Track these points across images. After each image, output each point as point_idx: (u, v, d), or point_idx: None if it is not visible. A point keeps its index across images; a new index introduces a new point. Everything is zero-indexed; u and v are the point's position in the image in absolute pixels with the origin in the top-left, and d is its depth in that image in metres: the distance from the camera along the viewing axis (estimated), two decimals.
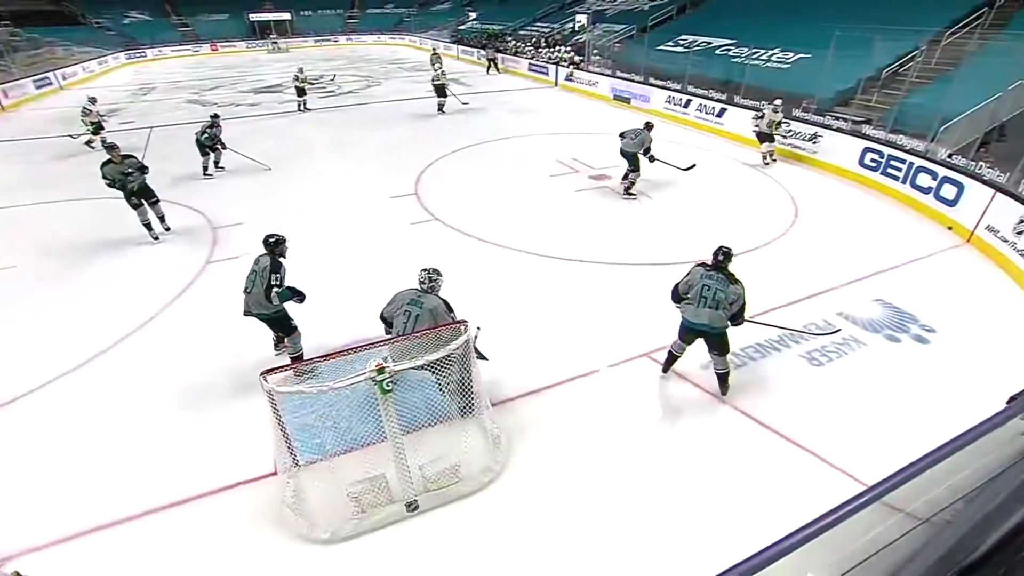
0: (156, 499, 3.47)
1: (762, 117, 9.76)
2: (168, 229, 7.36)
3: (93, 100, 11.72)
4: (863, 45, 10.39)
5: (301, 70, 14.64)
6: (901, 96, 9.72)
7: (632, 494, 3.45)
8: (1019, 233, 6.03)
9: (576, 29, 22.07)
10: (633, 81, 15.49)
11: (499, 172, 9.35)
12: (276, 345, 4.85)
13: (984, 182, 6.89)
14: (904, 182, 8.17)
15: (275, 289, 4.23)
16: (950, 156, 7.86)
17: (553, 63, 18.49)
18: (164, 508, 3.42)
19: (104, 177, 6.79)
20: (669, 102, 13.89)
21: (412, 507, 3.32)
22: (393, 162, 10.39)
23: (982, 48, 10.03)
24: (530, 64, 20.55)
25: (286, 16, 37.00)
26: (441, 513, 3.36)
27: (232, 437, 3.91)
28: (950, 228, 7.15)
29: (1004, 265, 6.14)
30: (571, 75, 18.08)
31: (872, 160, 8.85)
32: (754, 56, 13.54)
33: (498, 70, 22.83)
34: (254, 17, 36.17)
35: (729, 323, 3.99)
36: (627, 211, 8.04)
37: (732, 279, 3.99)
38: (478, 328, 4.19)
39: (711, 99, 12.76)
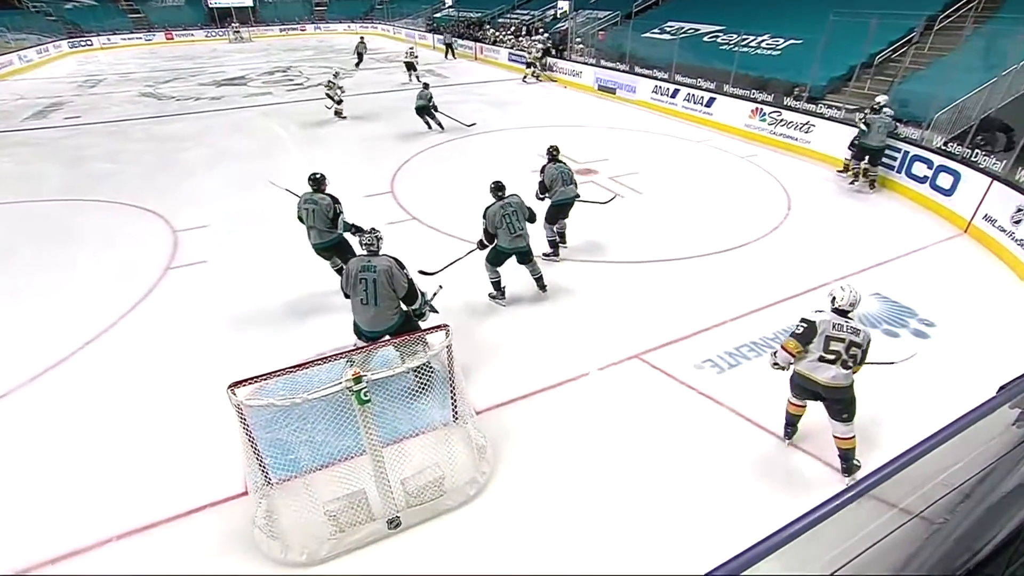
0: (113, 527, 3.38)
1: (868, 127, 8.14)
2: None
3: (337, 75, 13.50)
4: (856, 30, 10.61)
5: (337, 75, 13.68)
6: (895, 83, 9.96)
7: (624, 503, 3.49)
8: (1017, 222, 6.25)
9: (558, 16, 22.23)
10: (618, 71, 15.67)
11: (478, 168, 9.36)
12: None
13: (980, 170, 7.12)
14: (899, 171, 8.40)
15: (342, 217, 5.31)
16: (946, 144, 8.10)
17: (527, 63, 18.28)
18: (122, 536, 3.33)
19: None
20: (656, 92, 14.09)
21: (394, 524, 3.31)
22: (367, 159, 10.35)
23: (976, 32, 10.31)
24: (510, 54, 20.64)
25: (248, 2, 36.43)
26: (425, 529, 3.36)
27: (197, 456, 3.85)
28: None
29: (1002, 255, 6.37)
30: (533, 75, 17.93)
31: None
32: (743, 43, 13.80)
33: (454, 56, 23.60)
34: (213, 3, 35.48)
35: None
36: (613, 207, 8.12)
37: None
38: (440, 287, 4.59)
39: (699, 88, 12.98)
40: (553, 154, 6.28)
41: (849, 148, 8.72)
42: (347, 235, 5.45)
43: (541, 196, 6.20)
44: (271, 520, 3.33)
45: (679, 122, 12.93)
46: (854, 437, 3.54)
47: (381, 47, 28.46)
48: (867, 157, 8.37)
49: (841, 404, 3.48)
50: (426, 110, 11.70)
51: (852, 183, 8.69)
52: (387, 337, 4.01)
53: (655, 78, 14.34)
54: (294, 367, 3.24)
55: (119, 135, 12.45)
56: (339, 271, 5.48)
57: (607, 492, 3.56)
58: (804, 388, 3.58)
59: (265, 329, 5.28)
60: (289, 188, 6.27)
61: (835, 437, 3.59)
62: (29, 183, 9.42)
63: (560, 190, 6.10)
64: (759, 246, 6.84)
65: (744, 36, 13.94)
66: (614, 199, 7.51)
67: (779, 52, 13.02)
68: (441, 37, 24.77)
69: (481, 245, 5.45)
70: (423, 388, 3.84)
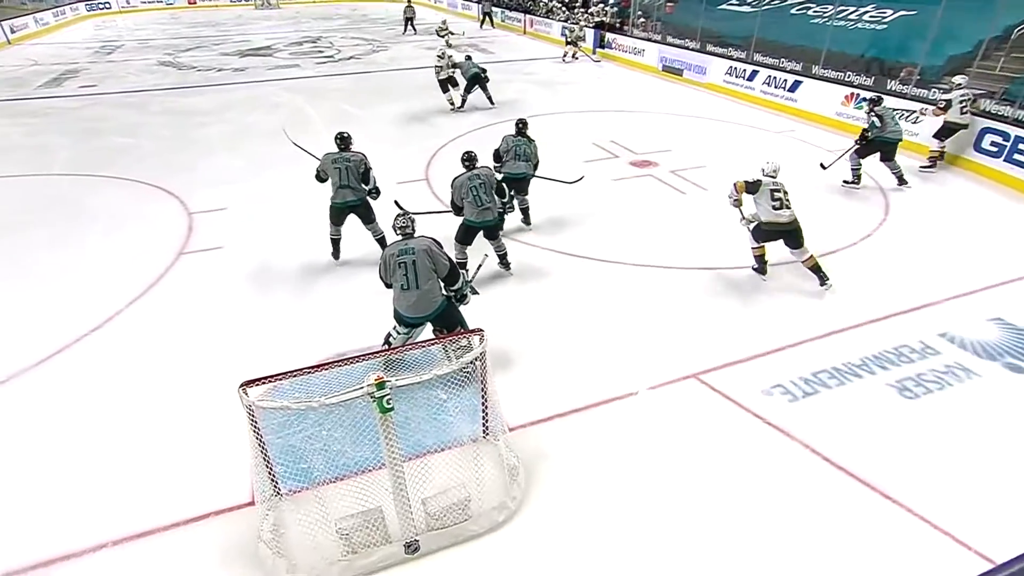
0: (109, 531, 3.51)
1: (946, 106, 8.50)
2: None
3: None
4: None
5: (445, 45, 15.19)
6: None
7: (671, 544, 3.43)
8: None
9: None
10: (687, 49, 15.46)
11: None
12: (336, 252, 6.37)
13: None
14: None
15: (372, 173, 5.94)
16: None
17: (569, 41, 17.87)
18: (118, 542, 3.47)
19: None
20: (730, 74, 13.83)
21: (412, 548, 3.36)
22: (401, 142, 10.57)
23: None
24: (563, 27, 20.64)
25: None
26: (445, 557, 3.39)
27: (202, 459, 4.00)
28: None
29: None
30: (573, 55, 17.70)
31: (993, 144, 8.62)
32: (840, 15, 13.28)
33: (493, 25, 24.40)
34: None
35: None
36: (676, 205, 8.02)
37: None
38: (486, 256, 4.89)
39: (782, 70, 12.66)
40: (519, 127, 6.96)
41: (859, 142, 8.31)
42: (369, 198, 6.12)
43: (496, 165, 6.76)
44: (278, 535, 3.43)
45: (757, 109, 12.65)
46: (812, 255, 5.80)
47: (422, 18, 28.97)
48: (879, 153, 8.17)
49: (797, 234, 5.72)
50: (477, 79, 12.24)
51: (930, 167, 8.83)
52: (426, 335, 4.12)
53: (730, 58, 14.08)
54: (312, 367, 3.35)
55: (136, 107, 13.14)
56: (335, 243, 6.29)
57: (652, 530, 3.50)
58: (770, 232, 5.79)
59: (282, 324, 5.46)
60: (308, 149, 6.86)
61: (802, 263, 5.83)
62: (40, 156, 10.05)
63: (508, 163, 6.77)
64: (847, 255, 6.61)
65: (842, 7, 13.38)
66: (581, 179, 7.43)
67: (884, 26, 12.45)
68: (480, 5, 25.41)
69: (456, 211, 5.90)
70: (467, 380, 3.84)
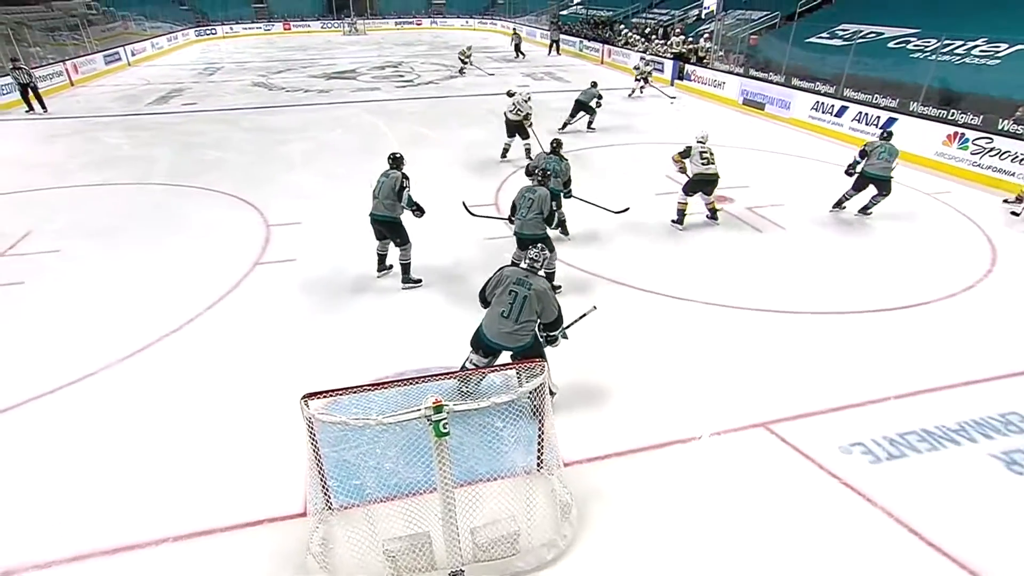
0: (169, 527, 3.70)
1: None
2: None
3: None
4: None
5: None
6: None
7: None
8: None
9: (702, 16, 22.02)
10: (770, 82, 15.11)
11: (595, 185, 9.42)
12: (379, 267, 6.63)
13: None
14: None
15: (406, 192, 6.01)
16: None
17: (640, 77, 17.01)
18: (179, 538, 3.65)
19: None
20: (816, 109, 13.38)
21: None
22: (473, 165, 10.84)
23: None
24: (642, 58, 20.71)
25: None
26: None
27: (261, 465, 4.15)
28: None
29: None
30: (638, 90, 17.01)
31: None
32: (944, 49, 12.64)
33: (559, 52, 25.64)
34: None
35: None
36: (752, 243, 7.76)
37: None
38: (594, 307, 4.87)
39: (875, 106, 12.11)
40: (553, 147, 7.58)
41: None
42: (410, 215, 6.24)
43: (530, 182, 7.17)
44: (326, 549, 3.49)
45: (844, 147, 12.11)
46: (714, 200, 8.13)
47: (498, 45, 29.88)
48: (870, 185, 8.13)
49: (715, 184, 7.83)
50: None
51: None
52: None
53: (817, 92, 13.64)
54: (372, 385, 3.42)
55: (229, 123, 14.21)
56: (380, 258, 6.60)
57: None
58: (700, 183, 7.78)
59: (347, 339, 5.64)
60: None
61: (706, 205, 8.15)
62: (142, 165, 11.00)
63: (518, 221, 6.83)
64: (945, 307, 6.14)
65: (947, 41, 12.74)
66: (627, 210, 7.57)
67: (998, 61, 11.74)
68: (550, 33, 26.85)
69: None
70: (535, 412, 3.84)
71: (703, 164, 7.69)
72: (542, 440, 3.79)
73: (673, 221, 8.09)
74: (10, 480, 4.11)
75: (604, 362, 5.26)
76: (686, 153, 7.83)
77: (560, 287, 6.32)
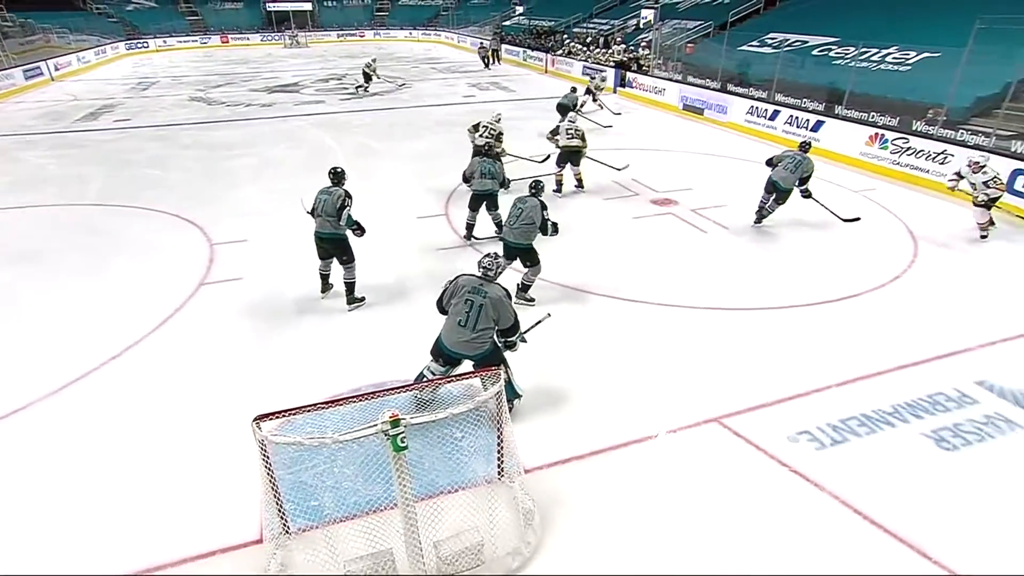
0: (117, 565, 3.50)
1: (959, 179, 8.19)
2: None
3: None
4: (1013, 39, 10.00)
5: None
6: None
7: None
8: None
9: (640, 26, 22.66)
10: (708, 88, 15.67)
11: (544, 192, 9.53)
12: (323, 287, 6.43)
13: None
14: None
15: (347, 211, 5.83)
16: None
17: (589, 90, 16.18)
18: None
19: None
20: (752, 113, 13.95)
21: None
22: (422, 177, 10.76)
23: None
24: (584, 67, 21.13)
25: (307, 6, 39.57)
26: None
27: (213, 493, 3.98)
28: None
29: None
30: (594, 100, 16.03)
31: None
32: (863, 56, 13.45)
33: (499, 62, 25.29)
34: (272, 6, 38.85)
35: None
36: (698, 243, 8.01)
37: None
38: (548, 315, 4.94)
39: (805, 110, 12.74)
40: (485, 150, 8.30)
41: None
42: (350, 234, 6.06)
43: (467, 185, 7.83)
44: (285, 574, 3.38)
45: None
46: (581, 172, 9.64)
47: (444, 55, 29.90)
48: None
49: (579, 155, 9.31)
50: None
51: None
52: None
53: (751, 97, 14.23)
54: (326, 403, 3.35)
55: (166, 140, 13.66)
56: (323, 278, 6.40)
57: None
58: (566, 155, 9.20)
59: (298, 357, 5.49)
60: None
61: (576, 175, 9.54)
62: (74, 186, 10.44)
63: (476, 181, 7.63)
64: (874, 298, 6.49)
65: (864, 49, 13.59)
66: (627, 167, 8.34)
67: (909, 67, 12.59)
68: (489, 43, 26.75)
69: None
70: (494, 421, 3.81)
71: (568, 139, 9.13)
72: (502, 448, 3.79)
73: (553, 191, 9.41)
74: None
75: (559, 367, 5.30)
76: (555, 129, 9.62)
77: (534, 300, 6.37)
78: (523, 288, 6.36)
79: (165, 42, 33.72)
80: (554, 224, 6.27)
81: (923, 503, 3.90)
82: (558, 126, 9.86)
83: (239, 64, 27.61)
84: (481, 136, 9.76)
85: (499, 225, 7.53)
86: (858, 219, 8.16)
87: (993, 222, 7.95)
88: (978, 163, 7.77)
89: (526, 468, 4.01)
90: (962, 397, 4.88)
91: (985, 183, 7.63)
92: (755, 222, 8.42)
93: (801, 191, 7.94)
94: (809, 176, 7.82)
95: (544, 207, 6.22)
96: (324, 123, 15.22)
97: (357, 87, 19.81)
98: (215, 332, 5.91)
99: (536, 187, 6.30)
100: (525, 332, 4.59)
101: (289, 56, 31.07)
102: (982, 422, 4.60)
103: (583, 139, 9.30)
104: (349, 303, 6.27)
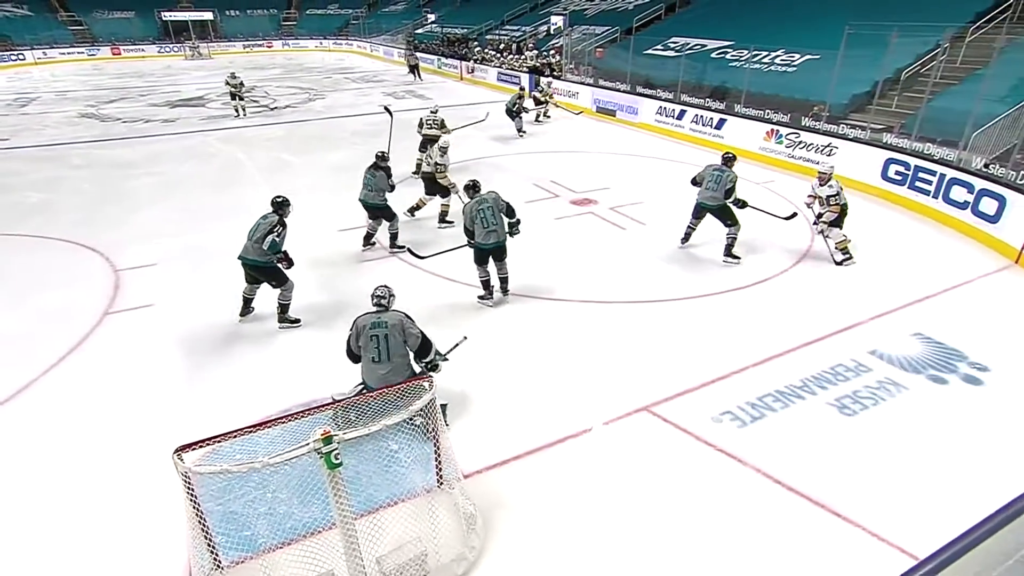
0: None
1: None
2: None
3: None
4: (878, 44, 10.93)
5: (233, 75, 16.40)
6: (925, 99, 10.16)
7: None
8: None
9: (551, 32, 23.18)
10: (618, 91, 16.25)
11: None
12: (243, 310, 6.16)
13: None
14: (936, 197, 8.65)
15: (272, 236, 5.63)
16: (987, 166, 8.33)
17: (541, 101, 16.19)
18: None
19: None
20: (660, 114, 14.59)
21: None
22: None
23: (1012, 43, 10.64)
24: (499, 73, 21.36)
25: (207, 16, 37.68)
26: None
27: (134, 534, 3.73)
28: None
29: None
30: (546, 114, 16.21)
31: (897, 173, 9.39)
32: (755, 59, 14.45)
33: (420, 78, 24.08)
34: (168, 16, 36.67)
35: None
36: (615, 241, 8.28)
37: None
38: (464, 337, 4.86)
39: (708, 109, 13.48)
40: (377, 158, 7.60)
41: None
42: (278, 262, 5.88)
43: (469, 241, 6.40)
44: None
45: (687, 146, 13.34)
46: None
47: (357, 65, 29.32)
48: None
49: (433, 142, 9.17)
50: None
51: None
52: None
53: (659, 99, 14.88)
54: (252, 426, 3.21)
55: (54, 160, 12.59)
56: (245, 302, 6.13)
57: (613, 568, 3.49)
58: (424, 142, 10.29)
59: (220, 383, 5.24)
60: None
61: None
62: None
63: (363, 191, 7.52)
64: (780, 282, 6.97)
65: (756, 52, 14.61)
66: (794, 216, 7.71)
67: (795, 68, 13.63)
68: (408, 57, 25.60)
69: (469, 241, 6.28)
70: (425, 432, 3.79)
71: (427, 128, 10.53)
72: (439, 456, 3.78)
73: (413, 172, 10.46)
74: None
75: (490, 369, 5.35)
76: (420, 124, 10.66)
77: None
78: (505, 287, 6.58)
79: (45, 54, 30.93)
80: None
81: (831, 466, 4.23)
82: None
83: (134, 77, 25.87)
84: (428, 127, 10.77)
85: (394, 236, 7.75)
86: (795, 215, 7.83)
87: (848, 239, 7.40)
88: (824, 175, 7.26)
89: (465, 473, 4.01)
90: (858, 366, 5.33)
91: (828, 198, 7.20)
92: (682, 241, 7.89)
93: (734, 203, 7.27)
94: (733, 186, 7.16)
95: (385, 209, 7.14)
96: (233, 137, 14.55)
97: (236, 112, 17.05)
98: (125, 363, 5.51)
99: (475, 186, 6.40)
100: (446, 353, 4.63)
101: (191, 68, 29.45)
102: (875, 387, 5.06)
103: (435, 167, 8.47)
104: (280, 323, 6.08)
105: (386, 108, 10.13)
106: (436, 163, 8.50)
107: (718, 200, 7.22)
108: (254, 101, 19.61)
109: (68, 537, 3.74)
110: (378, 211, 7.62)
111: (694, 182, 7.58)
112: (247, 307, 6.19)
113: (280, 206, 5.89)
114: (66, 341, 5.83)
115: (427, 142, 10.41)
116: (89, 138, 14.64)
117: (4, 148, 13.67)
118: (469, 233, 6.20)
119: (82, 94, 21.53)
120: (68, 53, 31.86)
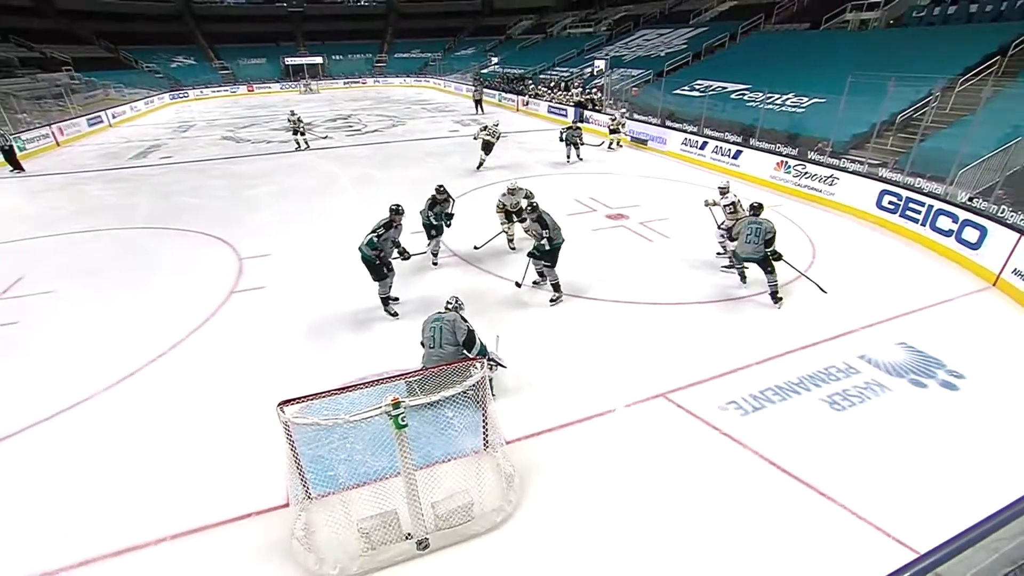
0: (167, 527, 3.47)
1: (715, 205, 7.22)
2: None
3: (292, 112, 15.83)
4: (877, 91, 10.57)
5: (292, 112, 16.19)
6: (917, 140, 9.71)
7: (645, 540, 3.34)
8: None
9: (594, 73, 22.79)
10: (650, 124, 15.84)
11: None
12: (386, 307, 5.98)
13: (1008, 226, 6.77)
14: (924, 224, 8.07)
15: (371, 235, 5.52)
16: (971, 199, 7.78)
17: (613, 130, 15.34)
18: (174, 537, 3.42)
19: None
20: (686, 144, 14.12)
21: (423, 545, 3.25)
22: (415, 199, 10.60)
23: (997, 94, 10.13)
24: (549, 106, 21.19)
25: (318, 60, 39.08)
26: (452, 552, 3.29)
27: (246, 467, 3.92)
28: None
29: None
30: (616, 142, 15.31)
31: (890, 203, 8.81)
32: (768, 100, 13.80)
33: (482, 111, 23.15)
34: (289, 61, 38.32)
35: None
36: (643, 251, 8.07)
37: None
38: (497, 336, 4.79)
39: (727, 141, 12.95)
40: (437, 190, 7.42)
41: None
42: (390, 255, 5.81)
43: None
44: (308, 533, 3.33)
45: (707, 172, 12.85)
46: None
47: (431, 98, 29.75)
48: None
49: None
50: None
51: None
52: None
53: (685, 131, 14.40)
54: (338, 389, 3.30)
55: (201, 172, 13.30)
56: (385, 301, 5.96)
57: (629, 529, 3.41)
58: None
59: (315, 352, 5.41)
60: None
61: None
62: (124, 213, 10.13)
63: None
64: (783, 292, 6.60)
65: (769, 94, 13.98)
66: (826, 293, 6.43)
67: (804, 109, 12.95)
68: (473, 92, 24.90)
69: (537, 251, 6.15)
70: (476, 403, 3.79)
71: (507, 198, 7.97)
72: (486, 424, 3.78)
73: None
74: (19, 498, 3.74)
75: (533, 354, 5.30)
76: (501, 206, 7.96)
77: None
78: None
79: (202, 92, 32.88)
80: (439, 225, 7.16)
81: (821, 454, 4.02)
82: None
83: (262, 108, 27.04)
84: (491, 133, 11.40)
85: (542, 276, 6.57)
86: (824, 292, 6.47)
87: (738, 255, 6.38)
88: (722, 188, 6.84)
89: (507, 440, 4.00)
90: (849, 368, 5.02)
91: (725, 207, 6.74)
92: (741, 281, 6.76)
93: (771, 254, 6.09)
94: (773, 236, 6.04)
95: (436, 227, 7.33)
96: (331, 156, 14.99)
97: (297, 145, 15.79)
98: (244, 333, 5.79)
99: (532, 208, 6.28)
100: (492, 355, 4.65)
101: (303, 100, 30.55)
102: (863, 387, 4.75)
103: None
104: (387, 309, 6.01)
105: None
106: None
107: (760, 252, 6.08)
108: (349, 126, 20.15)
109: (199, 467, 3.96)
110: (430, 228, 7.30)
111: (730, 237, 6.57)
112: (386, 304, 5.99)
113: (392, 212, 5.78)
114: (203, 312, 6.18)
115: (509, 214, 8.07)
116: (226, 155, 15.41)
117: (168, 163, 14.58)
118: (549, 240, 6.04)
119: (224, 121, 22.69)
120: (217, 91, 33.70)
